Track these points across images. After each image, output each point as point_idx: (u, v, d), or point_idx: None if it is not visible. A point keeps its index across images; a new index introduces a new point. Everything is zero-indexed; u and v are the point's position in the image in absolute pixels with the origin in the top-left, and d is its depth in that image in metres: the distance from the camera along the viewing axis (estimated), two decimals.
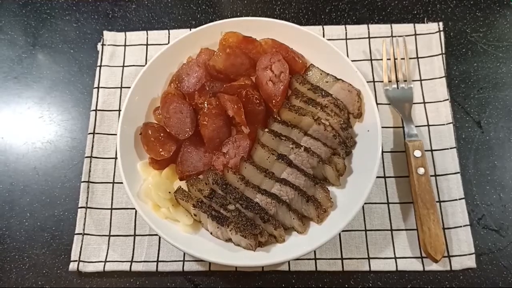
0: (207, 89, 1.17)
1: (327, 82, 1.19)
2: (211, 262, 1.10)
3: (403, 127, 1.22)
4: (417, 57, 1.30)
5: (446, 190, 1.17)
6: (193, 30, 1.23)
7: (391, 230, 1.14)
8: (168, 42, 1.31)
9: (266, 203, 1.08)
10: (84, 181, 1.20)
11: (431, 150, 1.21)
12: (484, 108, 1.26)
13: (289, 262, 1.11)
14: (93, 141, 1.23)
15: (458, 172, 1.18)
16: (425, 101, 1.26)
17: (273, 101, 1.17)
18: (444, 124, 1.23)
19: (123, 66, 1.31)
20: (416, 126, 1.21)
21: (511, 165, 1.20)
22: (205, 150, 1.15)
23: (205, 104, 1.13)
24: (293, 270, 1.11)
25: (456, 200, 1.16)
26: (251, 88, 1.17)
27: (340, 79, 1.18)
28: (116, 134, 1.20)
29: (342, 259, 1.12)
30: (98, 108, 1.26)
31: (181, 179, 1.14)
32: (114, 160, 1.22)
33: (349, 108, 1.17)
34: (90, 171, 1.21)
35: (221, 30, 1.21)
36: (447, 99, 1.25)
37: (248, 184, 1.10)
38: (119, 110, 1.26)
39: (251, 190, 1.09)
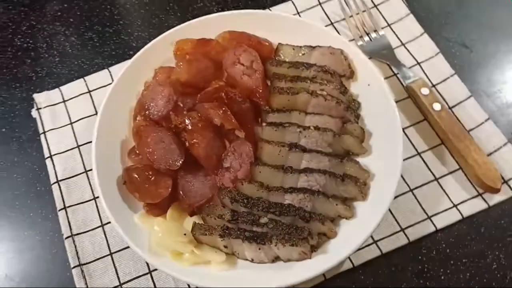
0: (181, 105, 0.99)
1: (303, 54, 1.07)
2: None
3: (395, 74, 1.12)
4: (375, 5, 1.22)
5: (467, 118, 1.07)
6: (137, 54, 1.07)
7: (436, 179, 1.01)
8: (113, 80, 1.13)
9: (299, 200, 0.91)
10: (74, 266, 0.95)
11: (433, 86, 1.11)
12: (461, 29, 1.19)
13: (349, 257, 0.94)
14: (67, 217, 1.00)
15: (471, 95, 1.09)
16: (403, 42, 1.17)
17: (257, 94, 1.02)
18: (433, 57, 1.14)
19: (71, 123, 1.10)
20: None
21: None
22: (205, 173, 0.97)
23: (187, 120, 0.95)
24: (357, 264, 0.94)
25: (482, 123, 1.06)
26: (228, 87, 1.02)
27: (316, 46, 1.06)
28: (93, 199, 1.00)
29: (403, 230, 0.97)
30: (59, 179, 1.04)
31: (192, 214, 0.94)
32: (101, 228, 0.99)
33: (338, 71, 1.05)
34: (77, 252, 0.97)
35: (170, 41, 1.06)
36: (424, 32, 1.17)
37: (270, 188, 0.93)
38: (87, 171, 1.05)
39: (276, 194, 0.92)
